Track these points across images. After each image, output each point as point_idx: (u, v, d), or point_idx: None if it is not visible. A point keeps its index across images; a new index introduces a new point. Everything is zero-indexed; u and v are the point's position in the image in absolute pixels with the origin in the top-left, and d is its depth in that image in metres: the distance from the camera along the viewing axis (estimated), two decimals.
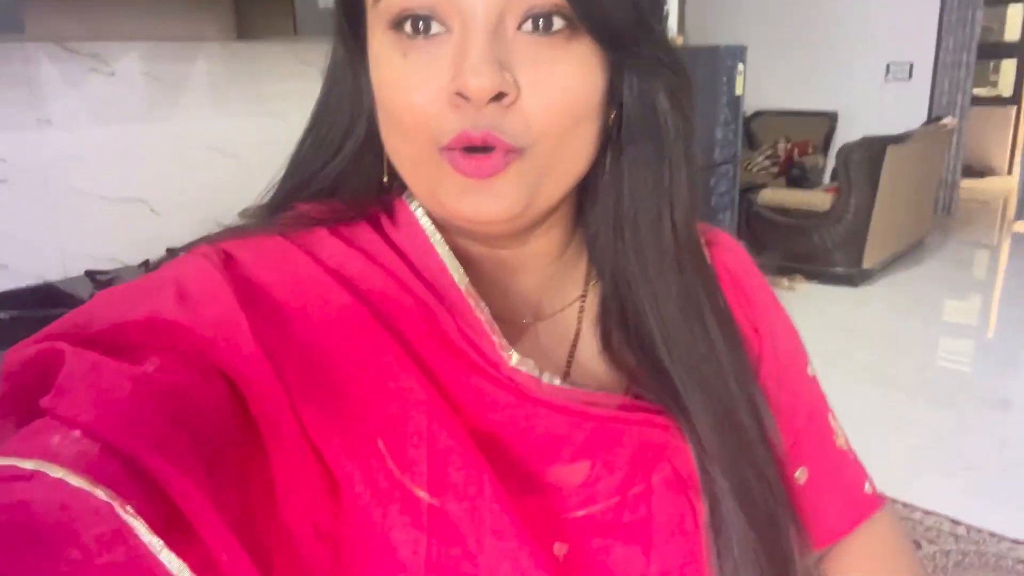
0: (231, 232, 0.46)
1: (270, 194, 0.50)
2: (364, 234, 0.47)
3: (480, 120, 0.40)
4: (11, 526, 0.27)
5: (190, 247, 0.44)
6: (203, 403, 0.35)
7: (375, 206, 0.49)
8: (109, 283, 1.75)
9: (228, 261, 0.42)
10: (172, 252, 0.45)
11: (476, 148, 0.41)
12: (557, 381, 0.46)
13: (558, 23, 0.40)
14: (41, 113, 1.71)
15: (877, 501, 0.58)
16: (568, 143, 0.43)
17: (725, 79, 3.80)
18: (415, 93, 0.41)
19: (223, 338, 0.37)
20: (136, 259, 1.93)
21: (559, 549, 0.43)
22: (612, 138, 0.47)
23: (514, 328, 0.49)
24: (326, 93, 0.49)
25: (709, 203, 3.71)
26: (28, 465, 0.29)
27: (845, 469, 0.58)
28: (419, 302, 0.44)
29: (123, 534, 0.28)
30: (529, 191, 0.43)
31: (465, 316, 0.45)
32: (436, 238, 0.47)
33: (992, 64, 7.53)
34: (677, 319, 0.48)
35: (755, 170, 5.83)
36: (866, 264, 4.48)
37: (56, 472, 0.29)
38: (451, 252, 0.47)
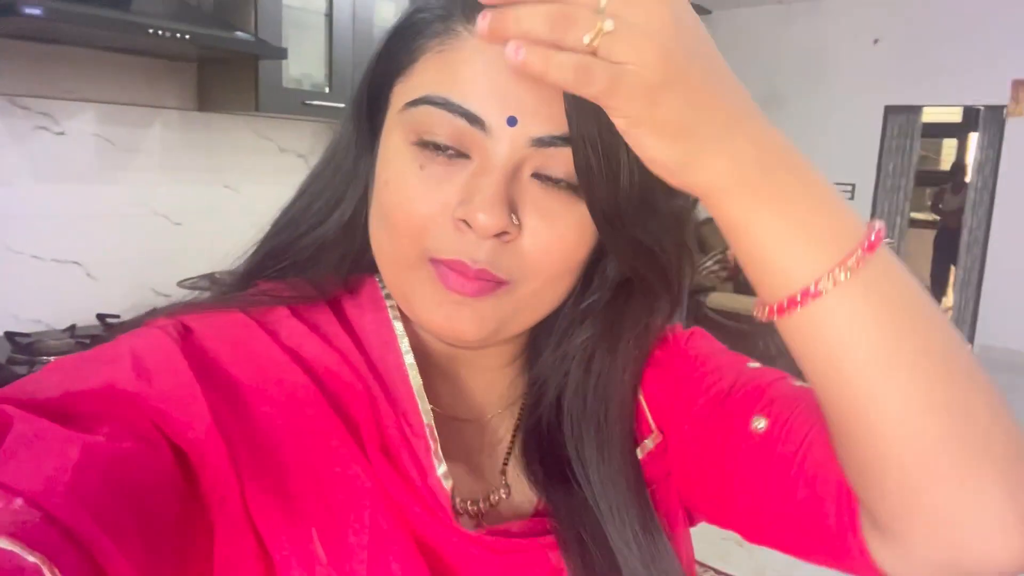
0: (191, 305, 0.46)
1: (246, 256, 0.51)
2: (324, 317, 0.48)
3: (479, 252, 0.42)
4: None
5: (146, 317, 0.45)
6: (152, 476, 0.35)
7: (339, 287, 0.50)
8: (28, 347, 1.66)
9: (186, 333, 0.43)
10: (124, 324, 0.45)
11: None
12: (467, 513, 0.48)
13: (564, 185, 0.43)
14: None
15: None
16: (551, 288, 0.45)
17: None
18: (420, 204, 0.42)
19: (178, 411, 0.38)
20: (63, 323, 1.84)
21: None
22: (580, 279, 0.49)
23: (454, 424, 0.50)
24: (323, 165, 0.51)
25: None
26: None
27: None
28: (368, 391, 0.45)
29: None
30: (502, 319, 0.45)
31: (407, 415, 0.45)
32: (399, 330, 0.48)
33: (927, 191, 7.98)
34: (592, 440, 0.50)
35: (704, 273, 5.97)
36: None
37: None
38: (410, 349, 0.47)
